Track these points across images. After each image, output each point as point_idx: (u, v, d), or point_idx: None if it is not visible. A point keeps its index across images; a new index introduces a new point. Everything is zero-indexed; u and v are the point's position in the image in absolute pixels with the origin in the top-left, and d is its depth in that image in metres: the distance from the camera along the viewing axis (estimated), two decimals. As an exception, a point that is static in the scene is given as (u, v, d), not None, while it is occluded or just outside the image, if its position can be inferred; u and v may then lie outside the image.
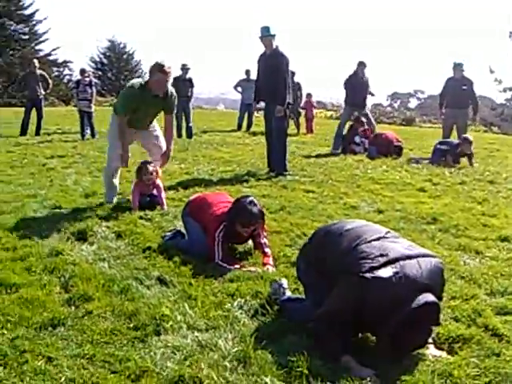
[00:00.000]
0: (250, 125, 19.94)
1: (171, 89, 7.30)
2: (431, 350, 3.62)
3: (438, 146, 12.42)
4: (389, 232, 3.92)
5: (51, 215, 6.87)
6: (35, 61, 17.60)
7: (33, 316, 3.92)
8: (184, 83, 17.18)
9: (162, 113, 7.55)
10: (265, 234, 5.48)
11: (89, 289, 4.43)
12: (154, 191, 7.35)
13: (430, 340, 3.67)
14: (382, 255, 3.52)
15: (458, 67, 13.53)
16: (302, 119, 20.72)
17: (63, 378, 3.14)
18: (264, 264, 5.13)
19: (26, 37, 45.98)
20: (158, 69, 6.87)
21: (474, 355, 3.54)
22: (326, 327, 3.53)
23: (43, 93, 17.18)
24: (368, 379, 3.19)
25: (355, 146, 13.86)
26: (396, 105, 77.19)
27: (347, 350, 3.44)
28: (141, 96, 7.01)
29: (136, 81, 7.27)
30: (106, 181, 7.68)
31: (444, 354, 3.61)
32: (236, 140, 16.40)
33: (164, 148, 7.61)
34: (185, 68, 17.49)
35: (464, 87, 13.36)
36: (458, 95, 13.28)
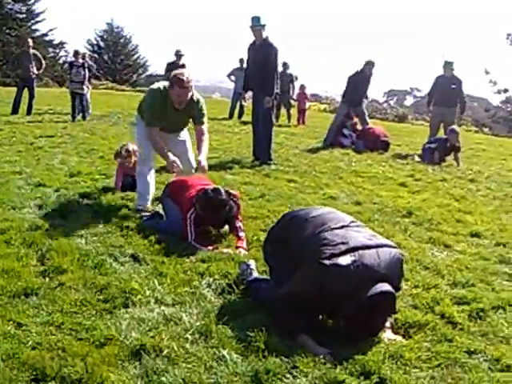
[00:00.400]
0: (241, 114, 20.02)
1: (198, 96, 6.54)
2: (387, 334, 3.77)
3: (427, 146, 12.49)
4: (353, 221, 4.07)
5: (34, 192, 6.99)
6: (29, 40, 17.64)
7: (7, 285, 4.06)
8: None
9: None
10: (240, 218, 5.64)
11: (64, 262, 4.57)
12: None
13: (388, 324, 3.83)
14: (342, 243, 3.67)
15: (448, 66, 13.58)
16: (293, 110, 20.85)
17: (30, 342, 3.29)
18: (237, 247, 5.29)
19: (23, 16, 45.80)
20: (177, 82, 6.15)
21: (428, 340, 3.71)
22: (286, 307, 3.67)
23: (36, 72, 17.22)
24: (322, 356, 3.35)
25: (343, 139, 13.89)
26: (392, 102, 77.28)
27: (305, 330, 3.59)
28: (164, 103, 6.33)
29: (160, 85, 6.46)
30: (140, 182, 6.72)
31: (399, 338, 3.76)
32: (226, 128, 16.48)
33: (193, 162, 6.73)
34: (179, 54, 17.59)
35: (453, 86, 13.44)
36: (447, 93, 13.34)
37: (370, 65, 14.16)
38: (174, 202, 5.79)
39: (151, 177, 6.77)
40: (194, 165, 6.66)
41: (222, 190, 5.48)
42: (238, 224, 5.53)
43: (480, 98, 67.73)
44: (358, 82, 14.01)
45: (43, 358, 3.08)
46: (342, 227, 3.88)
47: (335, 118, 14.45)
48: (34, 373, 2.97)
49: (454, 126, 12.73)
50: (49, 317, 3.65)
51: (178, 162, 6.25)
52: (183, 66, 17.50)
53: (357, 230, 3.93)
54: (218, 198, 5.38)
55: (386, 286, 3.58)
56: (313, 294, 3.58)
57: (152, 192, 6.74)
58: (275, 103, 10.52)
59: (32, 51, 17.19)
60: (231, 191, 5.70)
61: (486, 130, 28.07)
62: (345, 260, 3.56)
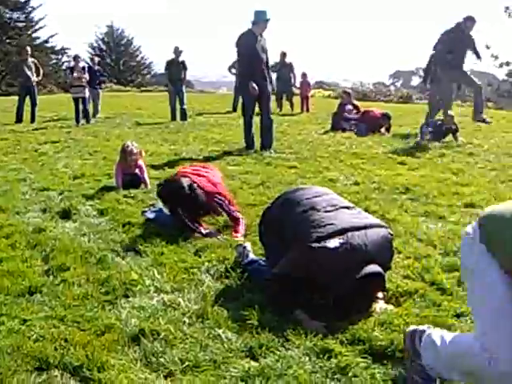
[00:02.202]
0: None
1: None
2: (379, 304, 3.90)
3: (424, 129, 12.21)
4: (343, 202, 4.20)
5: (39, 196, 7.17)
6: (28, 48, 17.85)
7: (12, 285, 4.23)
8: (177, 66, 17.45)
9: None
10: (228, 203, 5.77)
11: (67, 260, 4.73)
12: (137, 171, 7.62)
13: (380, 295, 3.97)
14: (331, 225, 3.79)
15: None
16: (296, 99, 20.97)
17: (34, 336, 3.45)
18: (234, 231, 5.46)
19: (23, 24, 45.99)
20: None
21: (416, 306, 3.84)
22: (279, 286, 3.83)
23: (36, 80, 17.41)
24: (315, 329, 3.49)
25: (344, 123, 13.91)
26: (399, 84, 77.09)
27: (299, 306, 3.74)
28: None
29: None
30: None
31: (390, 307, 3.89)
32: (229, 121, 16.57)
33: None
34: (177, 51, 17.67)
35: (449, 62, 13.39)
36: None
37: (470, 20, 11.73)
38: None
39: None
40: None
41: (181, 181, 5.60)
42: (229, 208, 5.70)
43: (487, 73, 67.36)
44: (456, 42, 11.97)
45: (46, 348, 3.24)
46: (332, 209, 4.00)
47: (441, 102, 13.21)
48: (38, 363, 3.14)
49: (450, 112, 12.33)
50: (52, 311, 3.81)
51: None
52: (183, 63, 17.64)
53: (346, 211, 4.04)
54: (164, 189, 5.69)
55: (374, 267, 3.71)
56: (302, 275, 3.73)
57: None
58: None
59: (30, 59, 17.38)
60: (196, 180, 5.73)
61: (489, 104, 27.87)
62: (333, 243, 3.68)
